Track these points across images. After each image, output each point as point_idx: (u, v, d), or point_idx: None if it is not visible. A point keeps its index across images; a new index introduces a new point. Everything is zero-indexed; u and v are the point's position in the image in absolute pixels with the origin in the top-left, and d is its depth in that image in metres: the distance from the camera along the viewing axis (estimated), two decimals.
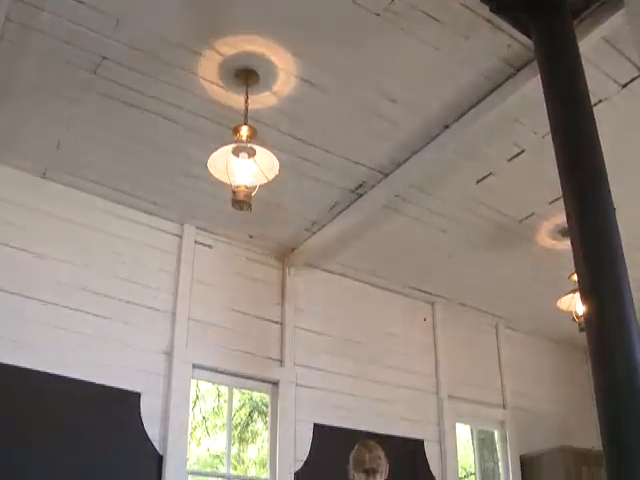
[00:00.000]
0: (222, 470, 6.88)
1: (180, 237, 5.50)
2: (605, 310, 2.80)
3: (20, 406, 4.41)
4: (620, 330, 2.72)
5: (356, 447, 4.03)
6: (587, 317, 2.89)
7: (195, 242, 5.56)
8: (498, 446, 7.12)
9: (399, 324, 6.62)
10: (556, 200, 4.97)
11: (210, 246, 5.66)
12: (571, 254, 3.03)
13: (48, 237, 4.88)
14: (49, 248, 4.86)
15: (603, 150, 3.09)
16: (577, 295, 5.24)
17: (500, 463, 7.05)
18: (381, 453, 3.99)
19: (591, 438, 5.48)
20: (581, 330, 5.17)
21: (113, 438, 4.71)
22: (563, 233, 5.50)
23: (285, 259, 6.00)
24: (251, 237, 5.76)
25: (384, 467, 3.94)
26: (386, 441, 5.84)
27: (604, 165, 3.05)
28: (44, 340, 4.63)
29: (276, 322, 5.81)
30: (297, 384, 5.68)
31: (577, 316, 5.41)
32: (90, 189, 5.08)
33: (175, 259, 5.44)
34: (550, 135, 3.21)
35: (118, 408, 4.81)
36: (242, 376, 5.51)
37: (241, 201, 3.76)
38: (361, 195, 5.12)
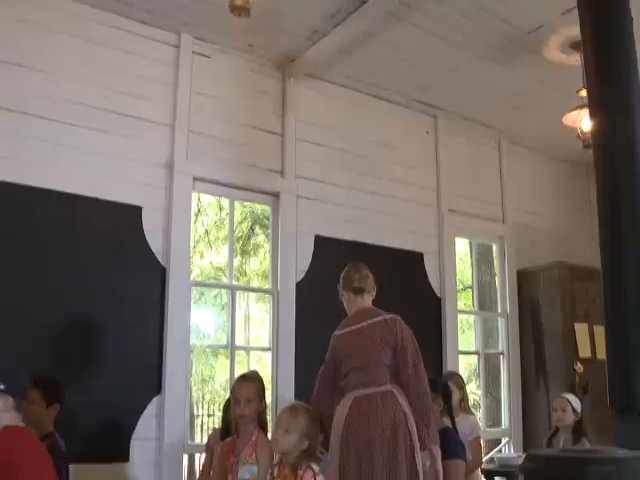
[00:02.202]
0: (225, 281, 7.04)
1: (177, 47, 5.32)
2: (612, 119, 2.76)
3: (22, 224, 4.45)
4: (626, 139, 2.70)
5: (346, 268, 4.19)
6: (594, 126, 2.85)
7: (193, 52, 5.39)
8: (496, 260, 7.26)
9: (401, 137, 6.54)
10: (569, 11, 4.75)
11: (208, 56, 5.48)
12: (580, 70, 2.95)
13: (41, 50, 4.71)
14: (43, 62, 4.70)
15: None
16: (583, 111, 5.16)
17: (497, 277, 7.21)
18: (369, 273, 4.14)
19: (588, 256, 5.59)
20: (585, 147, 5.14)
21: (116, 252, 4.77)
22: (574, 46, 5.31)
23: (285, 69, 5.83)
24: (250, 46, 5.57)
25: (371, 286, 4.12)
26: (386, 253, 5.99)
27: None
28: (43, 157, 4.60)
29: (276, 133, 5.74)
30: (298, 196, 5.70)
31: (582, 132, 5.34)
32: None
33: (173, 70, 5.29)
34: None
35: (119, 222, 4.85)
36: (243, 188, 5.52)
37: (239, 6, 3.61)
38: (364, 2, 4.88)
